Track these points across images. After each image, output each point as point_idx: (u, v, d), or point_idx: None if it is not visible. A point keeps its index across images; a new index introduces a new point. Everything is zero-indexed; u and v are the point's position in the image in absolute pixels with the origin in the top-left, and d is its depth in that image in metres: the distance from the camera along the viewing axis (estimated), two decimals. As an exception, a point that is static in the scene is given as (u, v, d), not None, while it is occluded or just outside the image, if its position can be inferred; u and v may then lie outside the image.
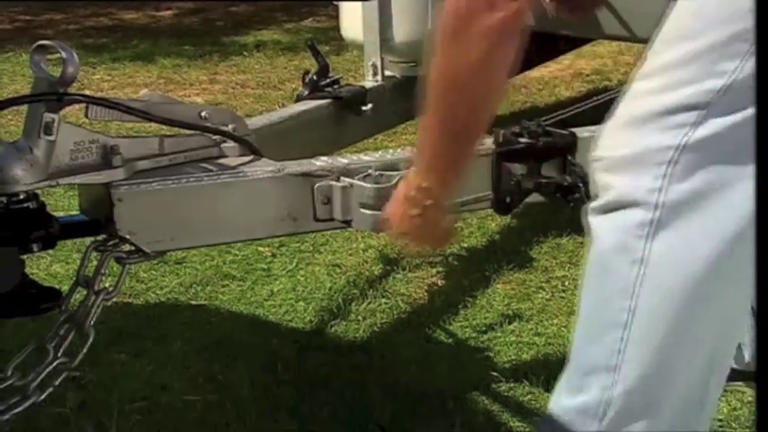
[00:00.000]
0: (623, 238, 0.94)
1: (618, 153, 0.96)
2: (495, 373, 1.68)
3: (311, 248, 2.34)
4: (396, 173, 1.47)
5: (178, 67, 4.60)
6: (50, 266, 2.25)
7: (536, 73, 3.87)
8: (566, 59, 4.16)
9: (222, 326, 1.97)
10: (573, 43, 2.95)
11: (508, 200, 1.49)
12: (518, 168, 1.50)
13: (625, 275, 0.94)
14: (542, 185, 1.47)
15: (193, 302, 2.08)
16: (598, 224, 0.98)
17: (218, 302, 2.07)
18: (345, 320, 1.95)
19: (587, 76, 4.19)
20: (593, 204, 1.00)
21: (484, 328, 1.87)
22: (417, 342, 1.84)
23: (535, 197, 1.48)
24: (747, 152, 0.89)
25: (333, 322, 1.95)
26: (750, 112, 0.89)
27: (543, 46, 2.56)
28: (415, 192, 1.11)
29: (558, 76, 4.12)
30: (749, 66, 0.89)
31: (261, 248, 2.33)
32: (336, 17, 2.21)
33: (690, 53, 0.92)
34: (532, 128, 1.49)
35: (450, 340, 1.85)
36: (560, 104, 3.40)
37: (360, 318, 1.96)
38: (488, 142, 1.49)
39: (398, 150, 1.55)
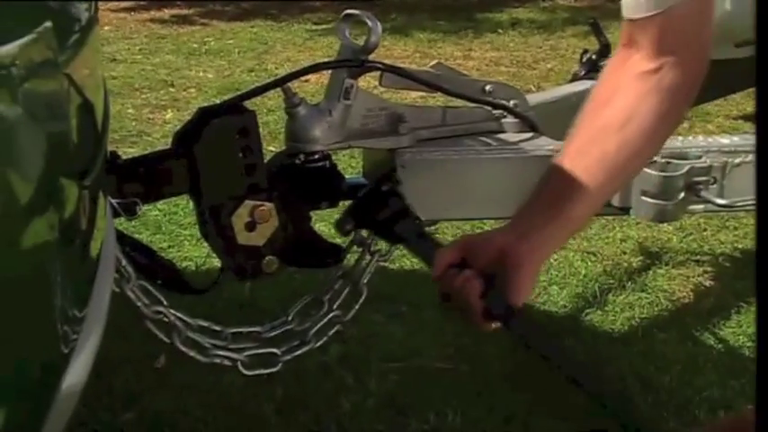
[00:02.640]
0: None
1: None
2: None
3: (564, 233, 2.29)
4: (685, 162, 1.38)
5: (433, 42, 4.69)
6: (315, 225, 2.39)
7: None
8: None
9: (473, 300, 1.98)
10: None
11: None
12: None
13: None
14: None
15: (445, 273, 2.11)
16: None
17: (470, 276, 2.09)
18: (601, 310, 1.88)
19: None
20: None
21: (759, 339, 1.71)
22: (682, 343, 1.73)
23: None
24: None
25: (588, 310, 1.89)
26: None
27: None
28: None
29: None
30: None
31: (513, 227, 2.31)
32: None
33: None
34: None
35: (721, 346, 1.71)
36: None
37: (617, 309, 1.88)
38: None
39: (688, 138, 1.45)
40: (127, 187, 1.19)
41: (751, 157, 1.32)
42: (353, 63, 1.30)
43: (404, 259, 2.19)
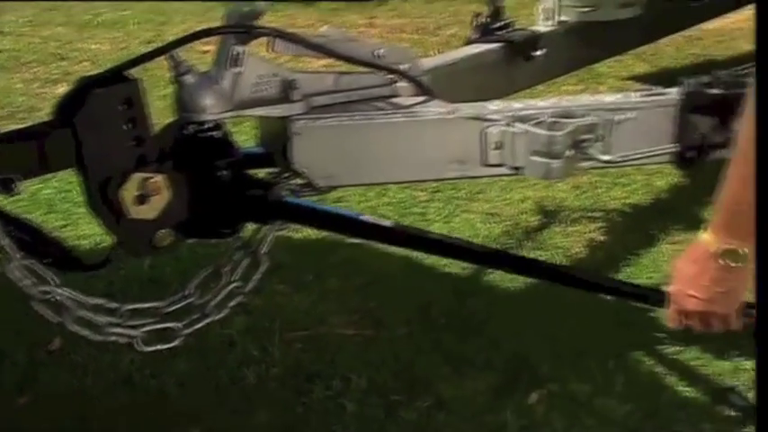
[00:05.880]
0: None
1: None
2: (661, 335, 1.62)
3: (466, 196, 2.33)
4: (571, 120, 1.42)
5: (336, 11, 4.64)
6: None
7: (713, 25, 3.60)
8: (750, 9, 3.83)
9: (378, 266, 2.00)
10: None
11: (691, 154, 1.40)
12: (705, 121, 1.40)
13: None
14: (732, 142, 1.37)
15: (349, 241, 2.11)
16: None
17: (374, 243, 2.10)
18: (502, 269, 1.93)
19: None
20: None
21: (648, 289, 1.79)
22: (578, 297, 1.78)
23: (721, 154, 1.39)
24: None
25: (489, 271, 1.93)
26: None
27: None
28: (717, 259, 0.92)
29: (740, 28, 3.80)
30: None
31: (416, 192, 2.34)
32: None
33: None
34: (724, 78, 1.39)
35: (611, 298, 1.79)
36: (739, 60, 3.15)
37: (516, 268, 1.93)
38: (672, 92, 1.41)
39: (575, 97, 1.49)
40: (4, 161, 1.14)
41: (631, 115, 1.37)
42: (239, 29, 1.28)
43: (308, 230, 2.18)
